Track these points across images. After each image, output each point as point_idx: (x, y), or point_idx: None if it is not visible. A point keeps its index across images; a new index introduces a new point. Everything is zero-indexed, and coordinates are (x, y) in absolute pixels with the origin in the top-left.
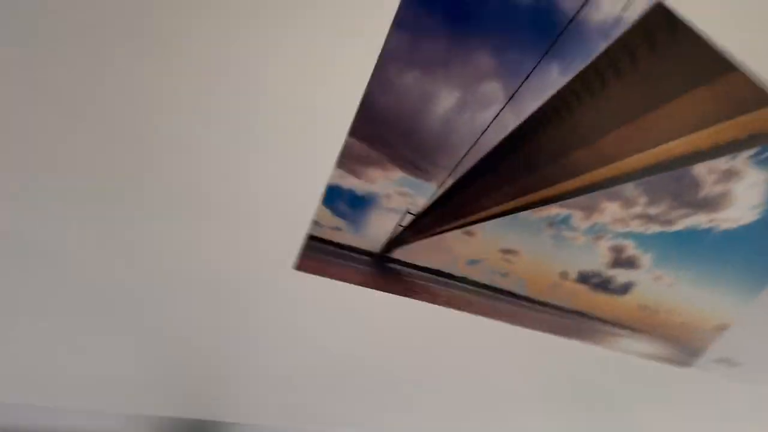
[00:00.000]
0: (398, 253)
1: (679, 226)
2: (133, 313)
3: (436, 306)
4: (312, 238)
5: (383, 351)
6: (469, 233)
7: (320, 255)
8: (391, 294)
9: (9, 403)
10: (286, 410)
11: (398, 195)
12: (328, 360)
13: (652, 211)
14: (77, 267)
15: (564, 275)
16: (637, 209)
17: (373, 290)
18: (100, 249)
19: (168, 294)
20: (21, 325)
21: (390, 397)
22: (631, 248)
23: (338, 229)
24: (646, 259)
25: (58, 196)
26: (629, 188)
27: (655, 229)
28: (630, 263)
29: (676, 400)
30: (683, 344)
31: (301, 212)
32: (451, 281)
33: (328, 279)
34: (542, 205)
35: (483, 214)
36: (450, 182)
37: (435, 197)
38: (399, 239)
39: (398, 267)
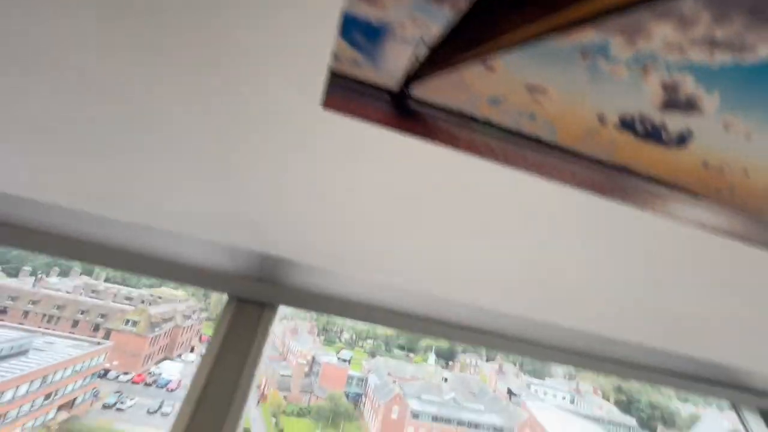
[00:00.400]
0: (417, 90)
1: (760, 53)
2: (205, 153)
3: (459, 153)
4: (334, 75)
5: (411, 198)
6: (490, 67)
7: (344, 93)
8: (412, 137)
9: (133, 222)
10: (326, 251)
11: (412, 23)
12: (359, 204)
13: (720, 33)
14: (177, 121)
15: (602, 118)
16: (698, 31)
17: (396, 133)
18: (190, 109)
19: (226, 133)
20: (140, 164)
21: (415, 247)
22: (690, 84)
23: (356, 63)
24: (711, 99)
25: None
26: (687, 2)
27: (724, 58)
28: (689, 105)
29: (753, 286)
30: (765, 218)
31: (321, 44)
32: (474, 124)
33: (354, 121)
34: (573, 28)
35: (503, 40)
36: (464, 5)
37: (450, 23)
38: (416, 73)
39: (419, 108)
